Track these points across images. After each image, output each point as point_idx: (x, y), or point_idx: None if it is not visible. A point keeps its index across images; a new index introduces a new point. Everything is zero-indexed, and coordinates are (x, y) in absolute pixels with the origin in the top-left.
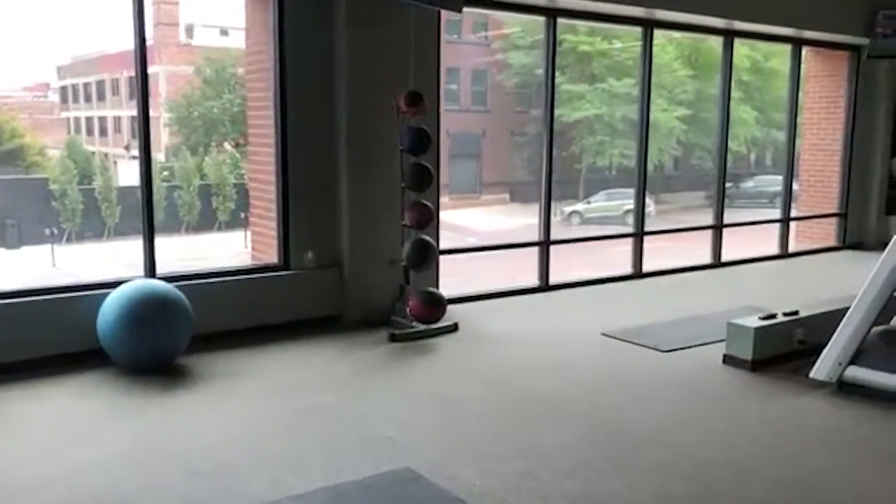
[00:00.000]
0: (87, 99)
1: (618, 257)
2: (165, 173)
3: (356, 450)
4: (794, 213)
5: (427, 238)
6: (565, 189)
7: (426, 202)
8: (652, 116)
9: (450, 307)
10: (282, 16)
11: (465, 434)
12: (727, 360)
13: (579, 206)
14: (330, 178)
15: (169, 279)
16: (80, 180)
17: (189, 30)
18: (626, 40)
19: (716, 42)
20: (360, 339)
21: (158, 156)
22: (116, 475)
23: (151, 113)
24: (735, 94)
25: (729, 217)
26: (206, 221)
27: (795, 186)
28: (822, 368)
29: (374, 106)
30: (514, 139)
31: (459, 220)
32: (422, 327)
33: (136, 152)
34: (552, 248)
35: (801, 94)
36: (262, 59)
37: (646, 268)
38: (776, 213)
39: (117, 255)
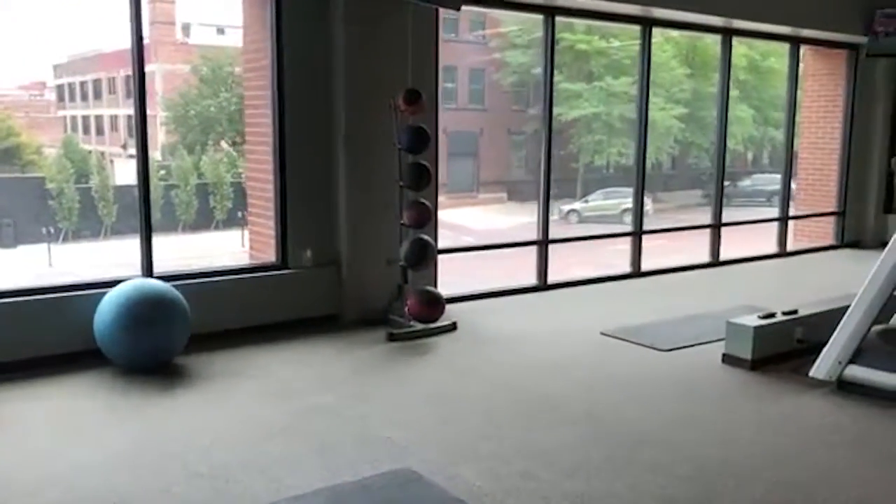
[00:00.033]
0: (84, 97)
1: (616, 256)
2: (162, 172)
3: (355, 450)
4: (792, 212)
5: (425, 237)
6: (562, 188)
7: (424, 201)
8: (650, 115)
9: (448, 306)
10: (279, 14)
11: (465, 434)
12: (726, 359)
13: (577, 205)
14: (328, 180)
15: (166, 278)
16: (76, 179)
17: (186, 28)
18: (624, 39)
19: (713, 40)
20: (359, 339)
21: (155, 154)
22: (114, 476)
23: (148, 112)
24: (732, 92)
25: (727, 216)
26: (204, 220)
27: (793, 185)
28: (822, 367)
29: (372, 104)
30: (512, 138)
31: (456, 219)
32: (420, 327)
33: (132, 151)
34: (550, 246)
35: (799, 92)
36: (260, 58)
37: (644, 267)
38: (774, 212)
39: (115, 254)
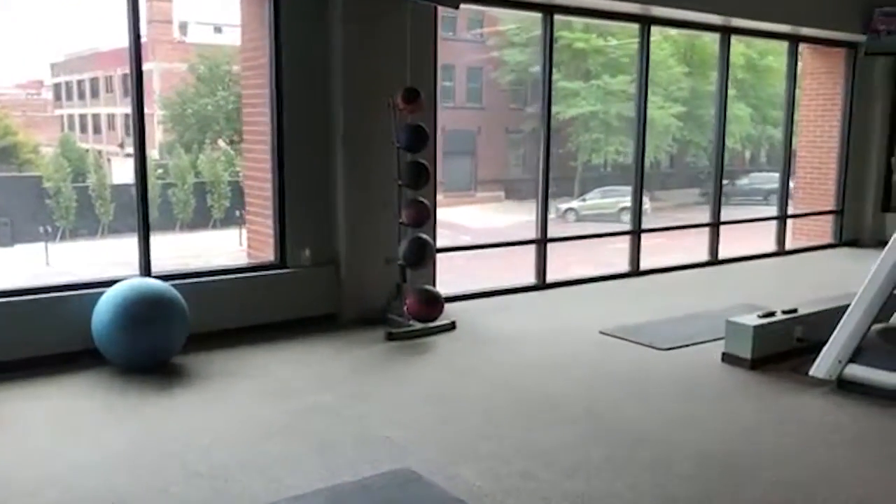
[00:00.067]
0: (81, 96)
1: (615, 255)
2: (160, 171)
3: (354, 449)
4: (790, 211)
5: (424, 236)
6: (560, 186)
7: (423, 200)
8: (648, 114)
9: (447, 305)
10: (277, 12)
11: (464, 433)
12: (726, 358)
13: (574, 203)
14: (326, 179)
15: (164, 277)
16: (73, 178)
17: (183, 27)
18: (621, 38)
19: (711, 39)
20: (357, 338)
21: (153, 153)
22: (113, 476)
23: (146, 110)
24: (730, 91)
25: (725, 214)
26: (201, 219)
27: (792, 184)
28: (822, 366)
29: (371, 103)
30: (510, 136)
31: (454, 217)
32: (419, 326)
33: (130, 150)
34: (549, 245)
35: (797, 91)
36: (258, 56)
37: (643, 265)
38: (771, 211)
39: (112, 253)
